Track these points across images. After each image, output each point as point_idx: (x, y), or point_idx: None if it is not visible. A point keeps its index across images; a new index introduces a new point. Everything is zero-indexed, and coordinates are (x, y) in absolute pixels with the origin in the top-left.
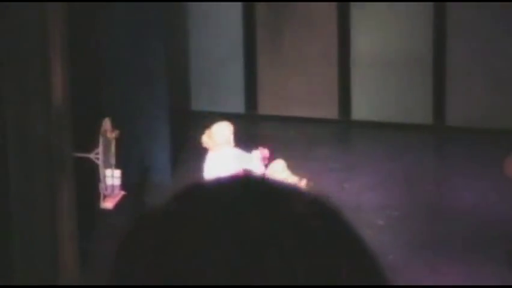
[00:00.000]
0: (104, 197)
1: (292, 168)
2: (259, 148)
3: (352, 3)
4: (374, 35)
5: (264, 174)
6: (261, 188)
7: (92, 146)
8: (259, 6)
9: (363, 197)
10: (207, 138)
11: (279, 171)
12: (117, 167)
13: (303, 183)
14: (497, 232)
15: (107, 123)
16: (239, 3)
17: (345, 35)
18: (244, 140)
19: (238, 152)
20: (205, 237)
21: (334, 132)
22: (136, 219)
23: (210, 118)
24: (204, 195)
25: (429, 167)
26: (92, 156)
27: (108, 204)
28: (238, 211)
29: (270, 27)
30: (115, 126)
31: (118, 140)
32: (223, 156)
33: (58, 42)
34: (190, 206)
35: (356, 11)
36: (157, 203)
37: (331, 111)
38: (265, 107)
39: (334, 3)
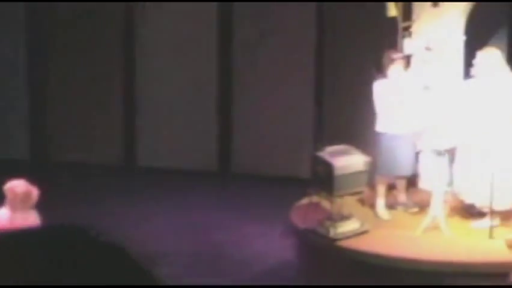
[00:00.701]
0: None
1: (80, 216)
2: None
3: (137, 49)
4: (159, 82)
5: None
6: (54, 236)
7: None
8: (49, 57)
9: (149, 244)
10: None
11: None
12: None
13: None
14: (286, 278)
15: None
16: (24, 51)
17: (130, 79)
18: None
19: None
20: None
21: (119, 179)
22: None
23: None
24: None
25: (214, 214)
26: None
27: None
28: (37, 260)
29: (58, 74)
30: None
31: None
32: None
33: None
34: None
35: (140, 58)
36: None
37: (116, 158)
38: (51, 154)
39: (121, 52)
